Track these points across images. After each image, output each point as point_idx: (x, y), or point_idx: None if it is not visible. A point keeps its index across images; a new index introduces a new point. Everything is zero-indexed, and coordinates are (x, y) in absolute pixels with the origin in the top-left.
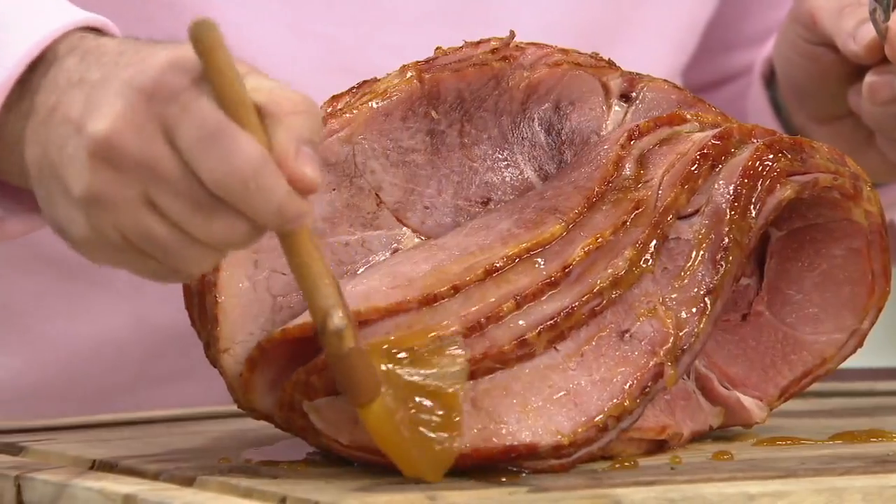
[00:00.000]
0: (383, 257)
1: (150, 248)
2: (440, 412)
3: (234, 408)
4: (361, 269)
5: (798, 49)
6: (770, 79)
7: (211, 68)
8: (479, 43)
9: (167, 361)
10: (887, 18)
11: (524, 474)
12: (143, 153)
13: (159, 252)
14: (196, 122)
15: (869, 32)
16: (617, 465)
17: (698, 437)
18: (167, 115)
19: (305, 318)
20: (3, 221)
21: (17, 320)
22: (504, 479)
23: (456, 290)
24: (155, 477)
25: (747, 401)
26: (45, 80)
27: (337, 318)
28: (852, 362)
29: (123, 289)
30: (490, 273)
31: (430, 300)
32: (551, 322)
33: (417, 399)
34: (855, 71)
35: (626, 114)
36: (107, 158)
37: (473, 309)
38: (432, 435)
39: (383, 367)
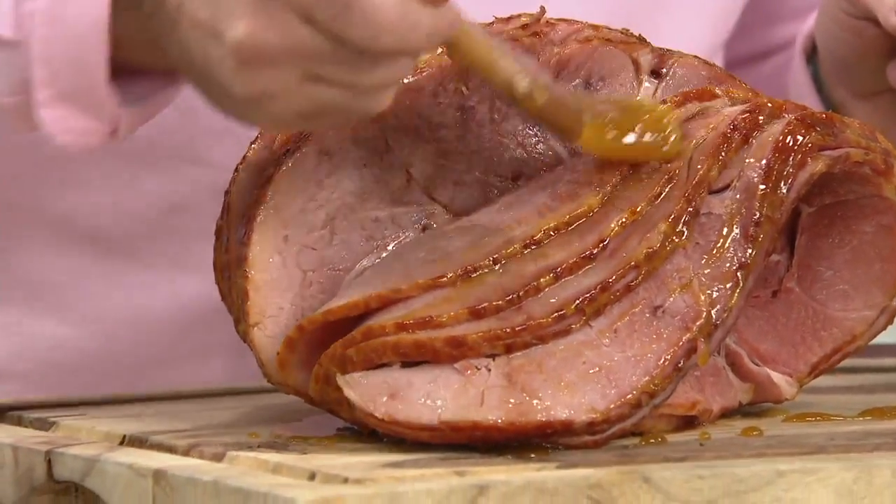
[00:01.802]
0: (413, 233)
1: (326, 111)
2: (653, 124)
3: (263, 383)
4: (392, 245)
5: (840, 22)
6: (811, 53)
7: None
8: (509, 19)
9: (201, 337)
10: None
11: (553, 450)
12: (287, 41)
13: (337, 110)
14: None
15: None
16: (643, 442)
17: (728, 414)
18: (295, 1)
19: (346, 298)
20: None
21: (53, 296)
22: (533, 455)
23: (496, 262)
24: (185, 452)
25: (777, 377)
26: None
27: (523, 82)
28: (882, 338)
29: (160, 265)
30: (528, 246)
31: (469, 272)
32: (589, 296)
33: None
34: None
35: (656, 90)
36: (254, 59)
37: (511, 282)
38: (651, 138)
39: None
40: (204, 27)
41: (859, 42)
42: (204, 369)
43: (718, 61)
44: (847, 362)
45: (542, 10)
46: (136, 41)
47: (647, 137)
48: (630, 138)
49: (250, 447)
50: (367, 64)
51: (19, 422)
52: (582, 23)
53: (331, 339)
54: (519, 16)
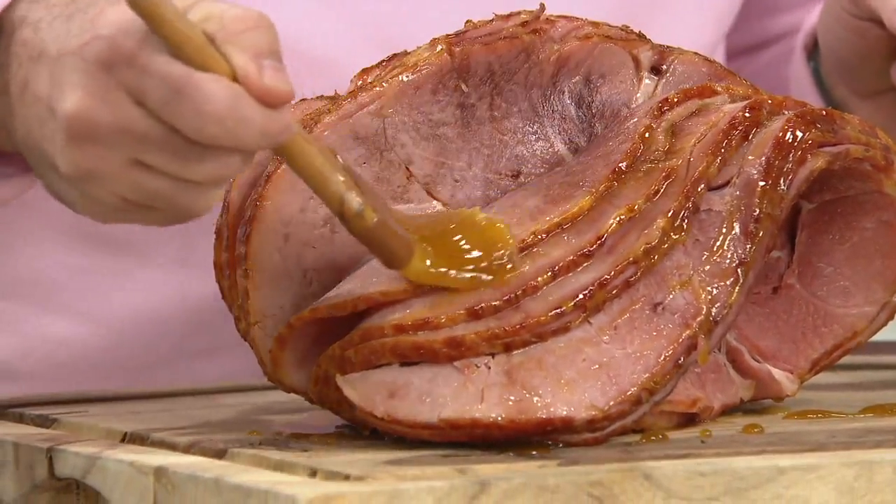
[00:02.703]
0: None
1: (152, 201)
2: (487, 249)
3: (264, 380)
4: None
5: (843, 23)
6: (812, 50)
7: (157, 26)
8: (509, 16)
9: (207, 336)
10: None
11: (553, 447)
12: (116, 121)
13: (162, 202)
14: (158, 83)
15: None
16: (644, 440)
17: (729, 410)
18: (129, 81)
19: (335, 296)
20: None
21: (58, 294)
22: (535, 452)
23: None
24: (186, 449)
25: (778, 374)
26: (8, 56)
27: (354, 202)
28: (883, 335)
29: (168, 263)
30: (521, 249)
31: None
32: (587, 292)
33: (460, 243)
34: None
35: (656, 87)
36: (83, 134)
37: (509, 282)
38: (484, 277)
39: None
40: (41, 102)
41: (863, 43)
42: (210, 367)
43: (719, 55)
44: (848, 359)
45: (542, 6)
46: None
47: (479, 268)
48: (460, 273)
49: (251, 444)
50: (195, 156)
51: (21, 419)
52: (582, 20)
53: (327, 337)
54: (519, 13)
